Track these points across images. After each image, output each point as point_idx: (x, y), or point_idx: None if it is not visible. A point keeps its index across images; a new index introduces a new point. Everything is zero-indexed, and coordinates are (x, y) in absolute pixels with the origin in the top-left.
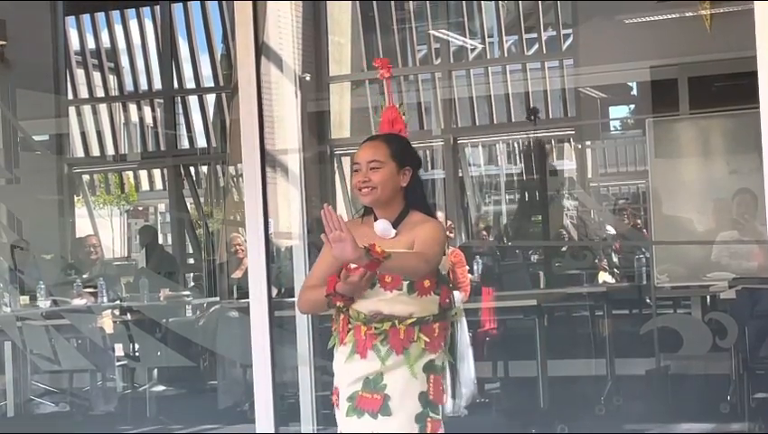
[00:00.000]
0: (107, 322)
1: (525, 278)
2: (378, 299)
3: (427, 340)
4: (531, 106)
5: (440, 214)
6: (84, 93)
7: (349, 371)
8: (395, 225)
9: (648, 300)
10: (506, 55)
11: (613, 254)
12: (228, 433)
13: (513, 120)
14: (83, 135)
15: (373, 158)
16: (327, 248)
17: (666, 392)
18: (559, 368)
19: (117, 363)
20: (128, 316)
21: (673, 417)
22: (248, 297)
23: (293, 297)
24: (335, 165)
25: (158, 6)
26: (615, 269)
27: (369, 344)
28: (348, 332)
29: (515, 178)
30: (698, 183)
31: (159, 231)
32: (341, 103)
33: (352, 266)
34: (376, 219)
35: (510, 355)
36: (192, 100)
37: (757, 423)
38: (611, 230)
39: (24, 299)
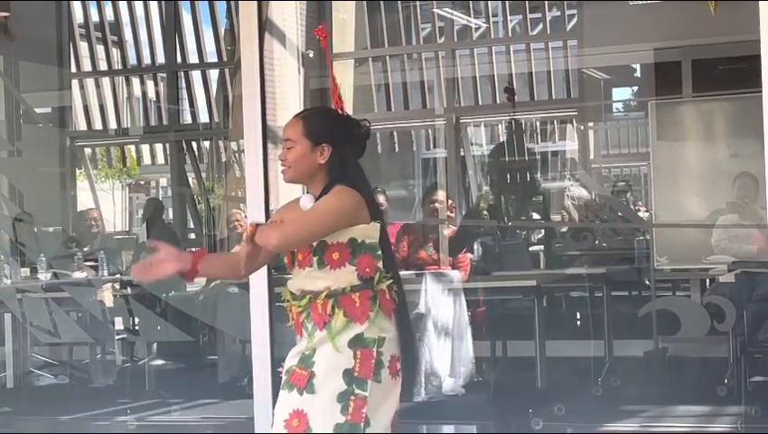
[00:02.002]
0: (107, 295)
1: (525, 258)
2: (300, 278)
3: (345, 311)
4: (508, 85)
5: (381, 197)
6: (87, 66)
7: (294, 348)
8: (318, 199)
9: (647, 282)
10: (510, 35)
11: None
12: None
13: (516, 100)
14: (86, 108)
15: (287, 137)
16: (277, 214)
17: (663, 375)
18: (557, 349)
19: (117, 337)
20: (128, 290)
21: (670, 399)
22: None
23: None
24: None
25: None
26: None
27: (299, 321)
28: (290, 311)
29: (516, 158)
30: (700, 167)
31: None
32: (344, 80)
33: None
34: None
35: (509, 335)
36: (195, 75)
37: (754, 406)
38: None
39: (25, 272)
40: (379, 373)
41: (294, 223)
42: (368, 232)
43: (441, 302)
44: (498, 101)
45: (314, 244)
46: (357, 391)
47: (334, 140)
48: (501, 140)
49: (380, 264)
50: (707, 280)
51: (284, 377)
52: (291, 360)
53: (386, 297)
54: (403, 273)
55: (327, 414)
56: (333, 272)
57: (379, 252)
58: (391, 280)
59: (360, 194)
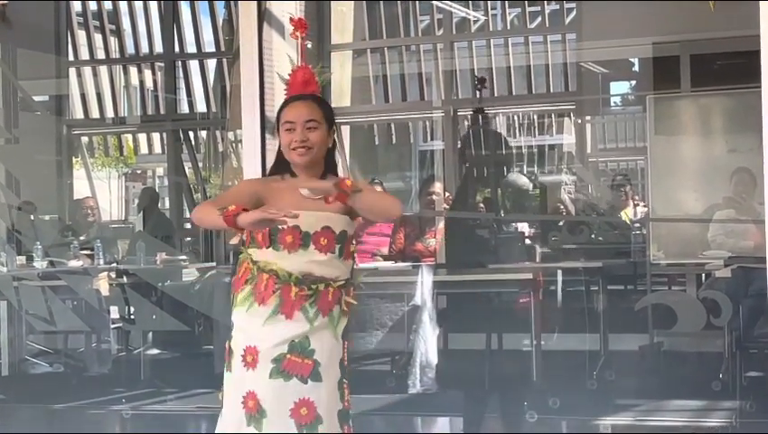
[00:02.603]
0: (103, 284)
1: (521, 251)
2: (310, 261)
3: (353, 302)
4: (479, 76)
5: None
6: (85, 54)
7: (272, 331)
8: None
9: (643, 276)
10: (508, 28)
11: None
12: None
13: (514, 93)
14: (83, 96)
15: (310, 117)
16: (248, 185)
17: (658, 369)
18: (553, 342)
19: (112, 326)
20: (124, 279)
21: (665, 393)
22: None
23: None
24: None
25: None
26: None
27: (297, 305)
28: (274, 292)
29: (513, 151)
30: (697, 162)
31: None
32: (342, 72)
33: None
34: (293, 175)
35: (505, 328)
36: (193, 65)
37: (748, 401)
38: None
39: (21, 260)
40: None
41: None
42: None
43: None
44: (496, 93)
45: (337, 232)
46: (344, 378)
47: (333, 127)
48: (466, 132)
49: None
50: (704, 275)
51: (266, 364)
52: (278, 348)
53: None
54: (399, 265)
55: (331, 401)
56: (345, 263)
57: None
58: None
59: None
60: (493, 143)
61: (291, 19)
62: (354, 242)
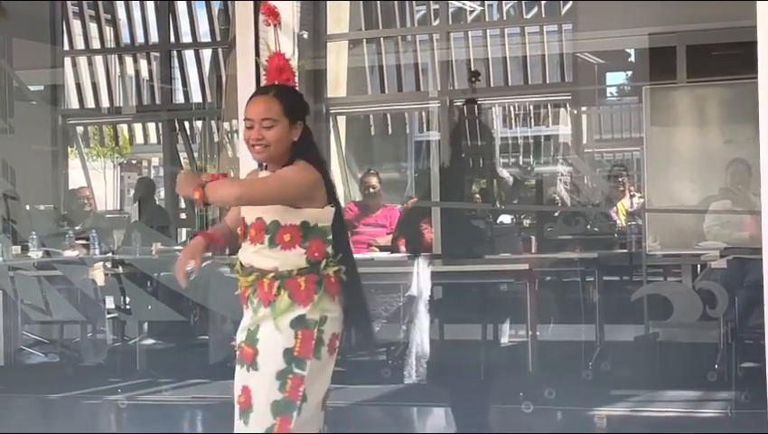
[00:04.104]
0: (98, 274)
1: (516, 242)
2: (250, 252)
3: (290, 293)
4: (473, 69)
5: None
6: (80, 44)
7: (242, 322)
8: None
9: (639, 267)
10: (505, 18)
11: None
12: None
13: (510, 84)
14: (78, 86)
15: (266, 116)
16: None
17: (654, 359)
18: (548, 333)
19: (108, 316)
20: (120, 269)
21: (660, 384)
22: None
23: None
24: (331, 123)
25: None
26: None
27: (245, 294)
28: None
29: (509, 142)
30: (693, 152)
31: None
32: (338, 62)
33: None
34: (264, 168)
35: (500, 319)
36: (189, 55)
37: (744, 392)
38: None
39: (16, 249)
40: (318, 351)
41: (255, 180)
42: (321, 216)
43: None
44: (492, 84)
45: (268, 222)
46: (296, 369)
47: (303, 117)
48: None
49: (330, 249)
50: (699, 266)
51: (237, 352)
52: (240, 335)
53: (331, 280)
54: (395, 255)
55: (267, 391)
56: (283, 253)
57: (330, 237)
58: (337, 267)
59: (321, 173)
60: (482, 134)
61: (262, 6)
62: (302, 232)
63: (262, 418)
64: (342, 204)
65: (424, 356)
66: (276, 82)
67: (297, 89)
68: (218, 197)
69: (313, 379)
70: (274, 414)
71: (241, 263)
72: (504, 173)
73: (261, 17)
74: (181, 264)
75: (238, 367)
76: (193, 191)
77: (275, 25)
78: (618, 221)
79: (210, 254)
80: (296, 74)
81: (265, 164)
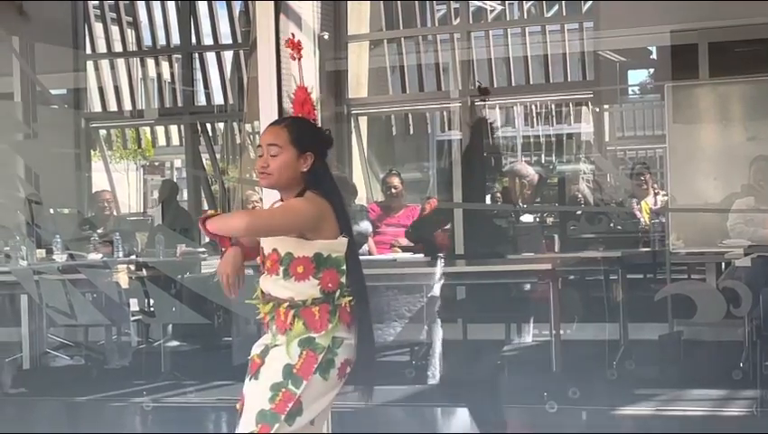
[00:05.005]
0: (122, 277)
1: (539, 241)
2: (268, 282)
3: (305, 322)
4: (481, 85)
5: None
6: (102, 47)
7: (261, 339)
8: None
9: (662, 266)
10: (525, 17)
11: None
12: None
13: (531, 83)
14: (100, 89)
15: (273, 142)
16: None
17: (678, 358)
18: (572, 332)
19: (132, 318)
20: (144, 272)
21: (685, 383)
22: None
23: None
24: (352, 124)
25: None
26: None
27: (266, 320)
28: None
29: (531, 141)
30: (716, 150)
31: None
32: (359, 62)
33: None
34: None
35: (524, 319)
36: (210, 57)
37: None
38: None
39: (41, 253)
40: (328, 373)
41: (262, 211)
42: (334, 247)
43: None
44: (513, 83)
45: (282, 254)
46: (290, 385)
47: (316, 149)
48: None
49: (343, 279)
50: (723, 264)
51: (249, 363)
52: (256, 349)
53: (345, 310)
54: (417, 256)
55: (258, 399)
56: (297, 284)
57: (344, 267)
58: (351, 297)
59: (331, 205)
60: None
61: (287, 42)
62: (315, 263)
63: (247, 423)
64: (365, 205)
65: (447, 356)
66: (300, 115)
67: (316, 121)
68: (226, 227)
69: (316, 397)
70: (257, 421)
71: (262, 291)
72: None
73: (287, 51)
74: (225, 279)
75: (246, 377)
76: (201, 223)
77: (298, 59)
78: (642, 220)
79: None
80: (316, 107)
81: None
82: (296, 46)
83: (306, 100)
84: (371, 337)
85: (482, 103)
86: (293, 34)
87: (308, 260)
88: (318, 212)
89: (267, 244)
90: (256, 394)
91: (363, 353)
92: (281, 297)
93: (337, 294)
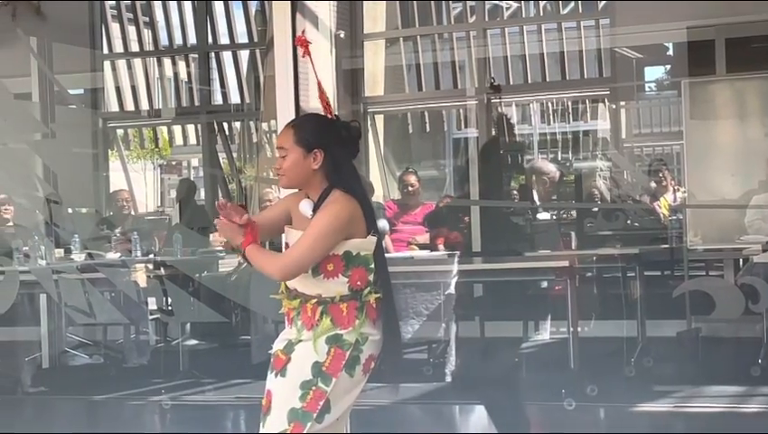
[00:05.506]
0: (140, 276)
1: (556, 238)
2: (295, 279)
3: (333, 318)
4: (494, 83)
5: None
6: (119, 47)
7: (282, 333)
8: (318, 204)
9: (680, 262)
10: (541, 14)
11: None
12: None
13: (548, 80)
14: (118, 89)
15: (280, 145)
16: (283, 200)
17: (697, 355)
18: (590, 329)
19: (151, 317)
20: (162, 271)
21: (703, 379)
22: (280, 253)
23: None
24: (368, 123)
25: None
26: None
27: (290, 315)
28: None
29: (548, 138)
30: (733, 146)
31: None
32: (375, 61)
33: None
34: (306, 197)
35: (541, 316)
36: (227, 56)
37: None
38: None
39: (59, 252)
40: (353, 369)
41: (295, 252)
42: (363, 246)
43: None
44: (530, 80)
45: None
46: (320, 383)
47: (325, 145)
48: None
49: (371, 277)
50: (741, 260)
51: (271, 359)
52: (279, 344)
53: (372, 306)
54: (434, 254)
55: (287, 397)
56: (326, 281)
57: (372, 265)
58: (378, 294)
59: (359, 204)
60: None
61: (298, 38)
62: (344, 261)
63: (277, 421)
64: (381, 203)
65: (464, 354)
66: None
67: (332, 116)
68: (264, 270)
69: (342, 394)
70: (289, 420)
71: (286, 286)
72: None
73: (299, 51)
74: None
75: (269, 373)
76: (241, 240)
77: (308, 55)
78: (662, 216)
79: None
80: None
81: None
82: (304, 43)
83: (320, 96)
84: (398, 332)
85: (498, 101)
86: (303, 31)
87: (338, 258)
88: (349, 217)
89: (294, 240)
90: (284, 392)
91: (390, 348)
92: (309, 294)
93: (365, 291)
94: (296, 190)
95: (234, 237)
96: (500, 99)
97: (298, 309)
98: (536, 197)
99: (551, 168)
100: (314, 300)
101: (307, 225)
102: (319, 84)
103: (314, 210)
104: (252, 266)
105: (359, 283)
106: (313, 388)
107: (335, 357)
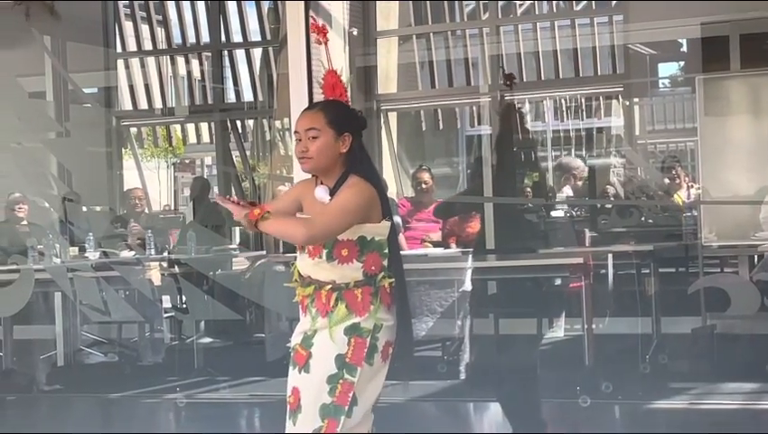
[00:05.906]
0: (154, 274)
1: (570, 235)
2: (308, 264)
3: (348, 304)
4: (506, 72)
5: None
6: (132, 46)
7: (298, 326)
8: (334, 190)
9: (695, 259)
10: (555, 10)
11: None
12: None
13: (561, 77)
14: (131, 88)
15: (311, 126)
16: (294, 188)
17: (712, 352)
18: (605, 326)
19: (165, 315)
20: (176, 269)
21: (719, 376)
22: (294, 251)
23: None
24: (382, 120)
25: None
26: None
27: (304, 303)
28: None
29: (561, 135)
30: (748, 142)
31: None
32: (388, 58)
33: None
34: (320, 184)
35: (556, 313)
36: (240, 54)
37: None
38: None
39: (74, 251)
40: (372, 358)
41: (320, 218)
42: (377, 231)
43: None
44: (543, 77)
45: None
46: (346, 375)
47: (352, 129)
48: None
49: (385, 262)
50: (756, 257)
51: (291, 354)
52: (296, 338)
53: (386, 291)
54: (448, 251)
55: (316, 393)
56: (341, 267)
57: (386, 250)
58: (392, 279)
59: (375, 188)
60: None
61: (312, 25)
62: (359, 246)
63: (310, 419)
64: (395, 200)
65: (479, 351)
66: (331, 98)
67: (349, 103)
68: (285, 234)
69: (365, 384)
70: (322, 416)
71: (299, 273)
72: (579, 162)
73: (312, 36)
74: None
75: (290, 368)
76: (254, 212)
77: (325, 43)
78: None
79: (264, 252)
80: (348, 90)
81: (320, 179)
82: (321, 30)
83: (337, 84)
84: (409, 317)
85: (512, 97)
86: (314, 18)
87: (352, 243)
88: (369, 200)
89: None
90: (312, 388)
91: (402, 332)
92: (323, 280)
93: (379, 276)
94: (308, 177)
95: (235, 210)
96: (511, 88)
97: (312, 296)
98: (570, 192)
99: (579, 163)
100: (329, 286)
101: (316, 209)
102: (334, 72)
103: (331, 195)
104: (265, 233)
105: (373, 268)
106: (341, 380)
107: (357, 346)
